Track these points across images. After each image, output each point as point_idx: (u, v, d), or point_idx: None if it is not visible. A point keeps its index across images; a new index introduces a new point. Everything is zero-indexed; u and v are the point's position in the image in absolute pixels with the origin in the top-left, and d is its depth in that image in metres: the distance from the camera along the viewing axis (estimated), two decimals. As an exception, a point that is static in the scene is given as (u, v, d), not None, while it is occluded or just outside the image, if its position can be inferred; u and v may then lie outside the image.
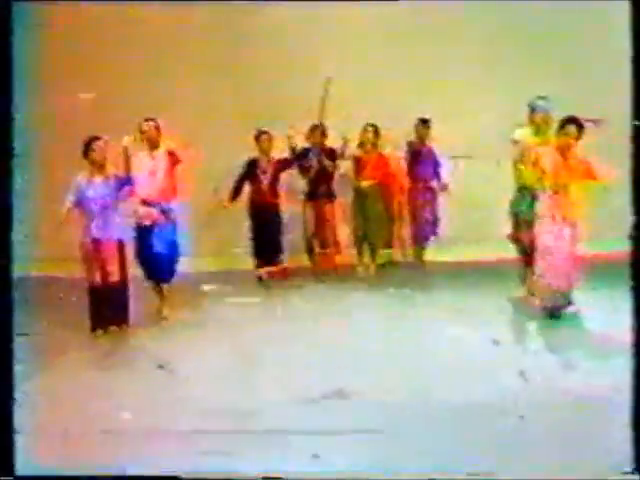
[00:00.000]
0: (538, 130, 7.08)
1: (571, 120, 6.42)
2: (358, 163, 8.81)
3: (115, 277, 6.54)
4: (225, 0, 8.64)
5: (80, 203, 6.54)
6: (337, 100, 8.18)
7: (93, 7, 8.39)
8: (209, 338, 6.42)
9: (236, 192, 8.35)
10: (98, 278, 6.50)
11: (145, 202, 6.89)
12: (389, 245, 9.11)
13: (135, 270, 6.97)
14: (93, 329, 6.51)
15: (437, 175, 8.95)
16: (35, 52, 7.48)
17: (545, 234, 6.52)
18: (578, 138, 6.42)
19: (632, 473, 3.79)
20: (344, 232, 8.94)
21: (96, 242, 6.52)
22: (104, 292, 6.52)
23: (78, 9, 8.37)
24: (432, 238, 9.09)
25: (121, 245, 6.64)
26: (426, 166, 8.94)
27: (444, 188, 8.90)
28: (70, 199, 6.53)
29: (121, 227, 6.67)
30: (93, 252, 6.53)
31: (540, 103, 7.10)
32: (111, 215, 6.55)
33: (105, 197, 6.50)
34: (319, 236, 8.81)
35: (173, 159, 6.90)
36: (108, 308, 6.54)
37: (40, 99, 7.83)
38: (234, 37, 8.84)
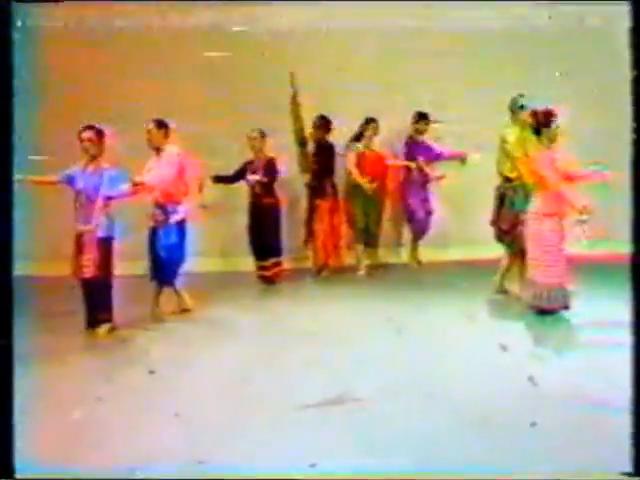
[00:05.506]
0: (524, 127, 7.13)
1: (552, 113, 6.43)
2: (360, 160, 8.63)
3: (89, 273, 6.33)
4: (224, 1, 8.65)
5: (75, 193, 6.43)
6: (335, 95, 8.22)
7: (93, 7, 8.39)
8: (206, 339, 6.39)
9: (221, 179, 8.15)
10: (76, 272, 6.38)
11: (157, 204, 6.82)
12: (388, 244, 9.10)
13: (123, 270, 6.84)
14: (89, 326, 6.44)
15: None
16: (35, 52, 7.50)
17: (537, 232, 6.52)
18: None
19: (632, 473, 3.79)
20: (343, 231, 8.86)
21: (78, 235, 6.38)
22: (87, 287, 6.41)
23: (78, 9, 8.36)
24: (427, 235, 9.06)
25: (107, 242, 6.40)
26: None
27: (440, 178, 8.83)
28: (55, 177, 6.47)
29: (108, 224, 6.41)
30: (75, 245, 6.40)
31: (524, 101, 7.19)
32: (94, 208, 6.32)
33: (90, 189, 6.33)
34: (308, 233, 8.70)
35: (181, 161, 6.81)
36: (91, 304, 6.43)
37: (40, 99, 7.86)
38: (234, 39, 8.84)
